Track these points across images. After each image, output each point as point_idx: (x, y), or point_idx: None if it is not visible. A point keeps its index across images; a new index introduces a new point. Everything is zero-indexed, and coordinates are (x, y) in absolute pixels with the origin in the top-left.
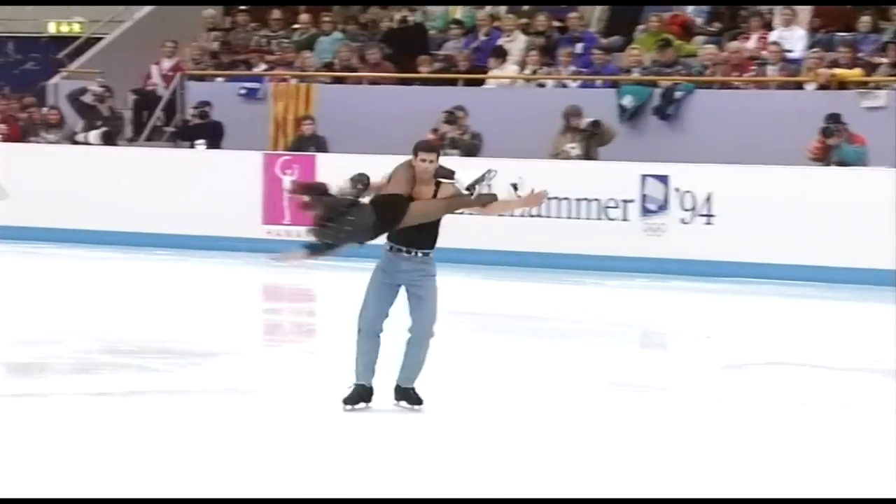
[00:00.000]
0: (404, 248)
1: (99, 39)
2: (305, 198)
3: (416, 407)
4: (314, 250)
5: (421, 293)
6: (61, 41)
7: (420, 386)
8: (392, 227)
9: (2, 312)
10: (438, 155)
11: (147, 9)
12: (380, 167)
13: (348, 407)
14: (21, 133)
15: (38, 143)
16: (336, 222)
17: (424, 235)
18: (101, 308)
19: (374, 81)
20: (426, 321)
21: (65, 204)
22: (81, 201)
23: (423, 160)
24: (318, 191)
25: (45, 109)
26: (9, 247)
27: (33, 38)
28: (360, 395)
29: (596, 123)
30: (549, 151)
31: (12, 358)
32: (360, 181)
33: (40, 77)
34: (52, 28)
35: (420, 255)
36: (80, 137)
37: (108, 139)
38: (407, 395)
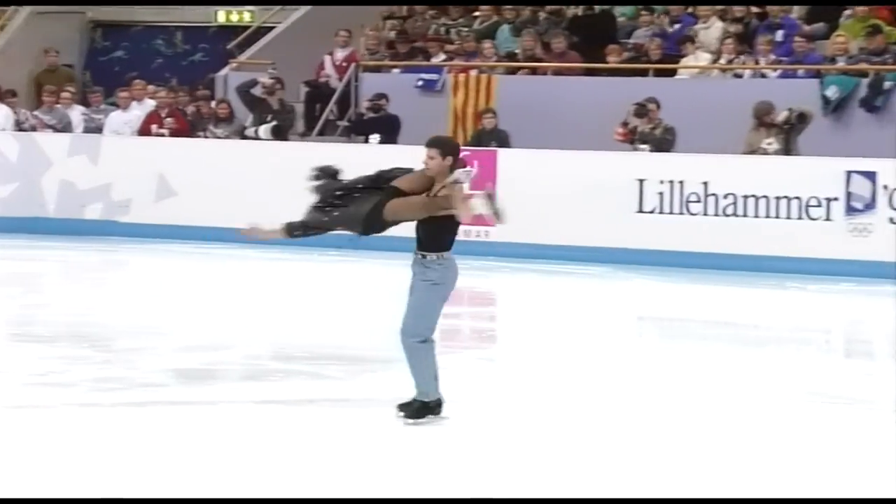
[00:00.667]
0: (415, 249)
1: (270, 29)
2: (315, 181)
3: (409, 420)
4: (291, 229)
5: (411, 295)
6: (231, 31)
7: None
8: (378, 222)
9: (170, 316)
10: (443, 151)
11: None
12: (563, 162)
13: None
14: (189, 127)
15: (206, 137)
16: (326, 206)
17: (423, 236)
18: (271, 312)
19: (559, 72)
20: (403, 325)
21: (234, 202)
22: (251, 199)
23: (426, 156)
24: (327, 173)
25: (213, 103)
26: (178, 246)
27: (202, 27)
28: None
29: (802, 116)
30: (743, 148)
31: (180, 364)
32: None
33: (209, 69)
34: (221, 17)
35: (419, 256)
36: (249, 132)
37: (279, 134)
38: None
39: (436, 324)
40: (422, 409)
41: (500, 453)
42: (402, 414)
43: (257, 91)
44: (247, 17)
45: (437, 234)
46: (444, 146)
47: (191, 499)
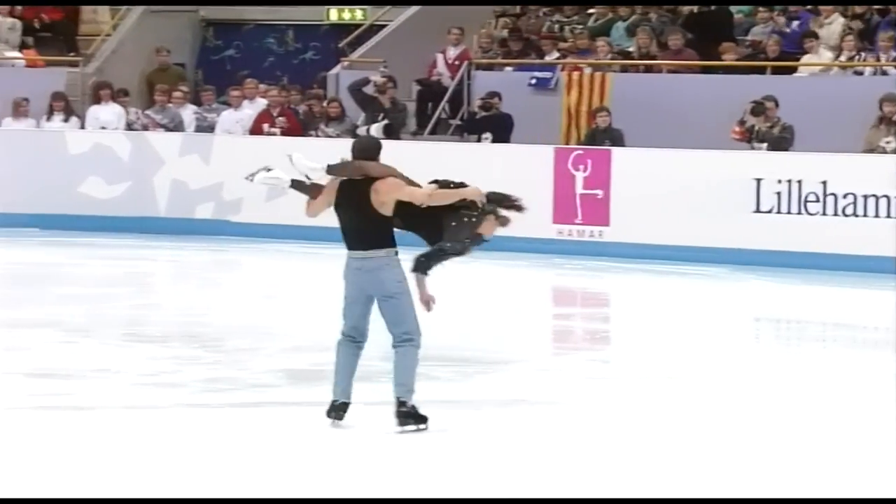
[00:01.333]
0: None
1: (382, 27)
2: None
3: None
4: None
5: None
6: (342, 29)
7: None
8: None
9: (280, 316)
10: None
11: None
12: (679, 161)
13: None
14: (300, 126)
15: (317, 136)
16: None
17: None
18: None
19: (674, 70)
20: (412, 329)
21: None
22: None
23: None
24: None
25: (324, 102)
26: (288, 246)
27: (313, 25)
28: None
29: None
30: (863, 146)
31: (290, 365)
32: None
33: (320, 67)
34: (333, 15)
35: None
36: (361, 131)
37: (390, 132)
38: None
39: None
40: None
41: (614, 455)
42: (420, 427)
43: (369, 89)
44: (359, 14)
45: (388, 231)
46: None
47: (287, 499)
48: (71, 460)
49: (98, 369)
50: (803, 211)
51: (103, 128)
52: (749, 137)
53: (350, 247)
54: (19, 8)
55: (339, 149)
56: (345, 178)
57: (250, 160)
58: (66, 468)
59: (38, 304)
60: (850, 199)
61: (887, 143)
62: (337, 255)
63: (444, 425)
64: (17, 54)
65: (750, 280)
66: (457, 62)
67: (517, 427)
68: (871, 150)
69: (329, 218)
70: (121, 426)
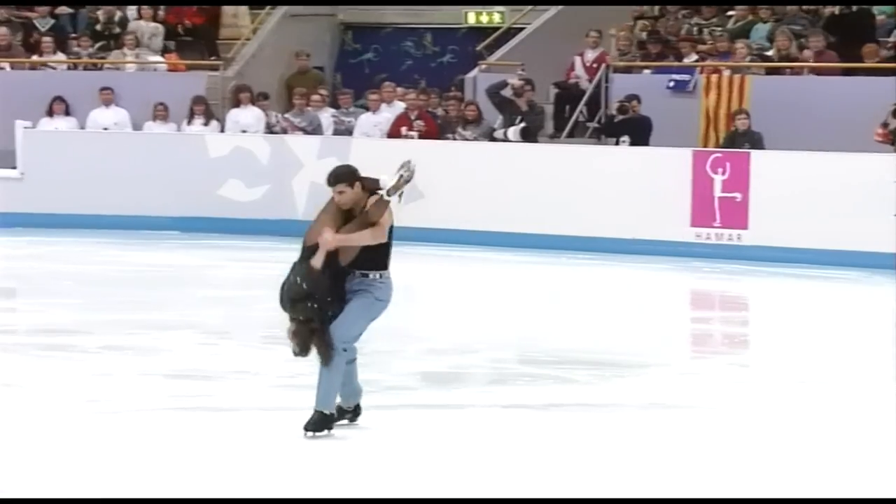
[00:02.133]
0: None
1: (520, 30)
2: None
3: (312, 433)
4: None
5: (351, 301)
6: (480, 32)
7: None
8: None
9: (418, 319)
10: (351, 181)
11: None
12: (819, 164)
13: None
14: (438, 130)
15: (454, 139)
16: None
17: (358, 256)
18: (518, 315)
19: (814, 72)
20: (337, 327)
21: (482, 204)
22: (499, 201)
23: (335, 193)
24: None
25: (462, 105)
26: (425, 249)
27: (451, 29)
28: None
29: None
30: None
31: (428, 367)
32: None
33: (457, 70)
34: (471, 19)
35: (359, 274)
36: (498, 134)
37: (528, 136)
38: (312, 415)
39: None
40: (323, 420)
41: (751, 459)
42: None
43: (507, 92)
44: (496, 18)
45: (377, 253)
46: (348, 176)
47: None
48: (209, 461)
49: (237, 371)
50: None
51: (243, 131)
52: (893, 139)
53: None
54: (162, 13)
55: (477, 152)
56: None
57: (388, 163)
58: (205, 469)
59: (179, 306)
60: None
61: None
62: (476, 258)
63: (582, 428)
64: (159, 59)
65: (890, 284)
66: (595, 65)
67: (654, 430)
68: None
69: (468, 222)
70: (259, 428)
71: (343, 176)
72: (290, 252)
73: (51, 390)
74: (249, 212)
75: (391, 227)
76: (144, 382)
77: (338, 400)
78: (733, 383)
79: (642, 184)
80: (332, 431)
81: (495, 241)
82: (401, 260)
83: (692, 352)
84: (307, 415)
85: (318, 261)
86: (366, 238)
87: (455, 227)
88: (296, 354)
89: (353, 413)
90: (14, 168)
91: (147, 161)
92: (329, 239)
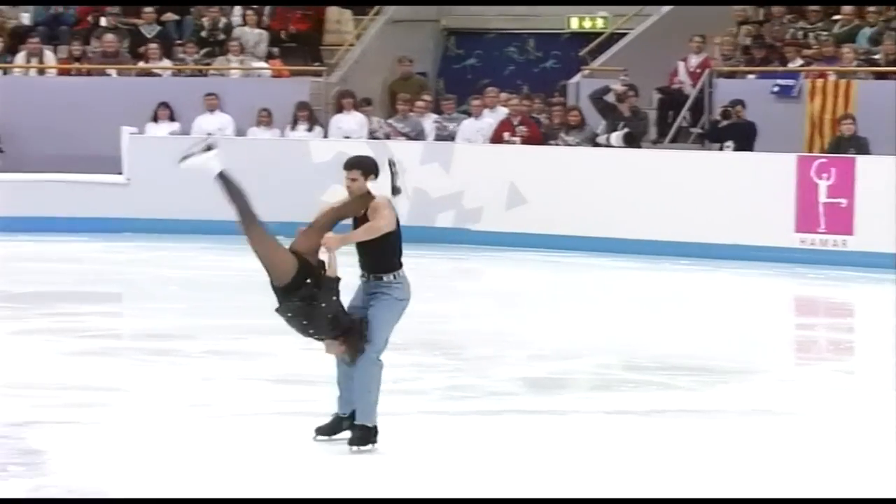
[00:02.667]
0: (362, 273)
1: (623, 35)
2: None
3: (357, 448)
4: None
5: (372, 309)
6: (583, 37)
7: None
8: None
9: (520, 325)
10: (366, 171)
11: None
12: None
13: (321, 437)
14: (541, 135)
15: (557, 145)
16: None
17: (365, 261)
18: (622, 321)
19: None
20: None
21: (585, 210)
22: (602, 207)
23: (347, 178)
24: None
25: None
26: (528, 254)
27: (554, 34)
28: (335, 425)
29: None
30: None
31: (530, 373)
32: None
33: (560, 75)
34: (574, 24)
35: (373, 278)
36: (601, 139)
37: (631, 141)
38: (354, 430)
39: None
40: (366, 434)
41: (854, 466)
42: (357, 448)
43: (610, 98)
44: (600, 23)
45: (382, 256)
46: (364, 165)
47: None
48: (310, 465)
49: None
50: None
51: (346, 137)
52: None
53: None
54: (266, 19)
55: (579, 157)
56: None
57: (490, 169)
58: (306, 472)
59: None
60: None
61: None
62: (578, 264)
63: (684, 434)
64: (263, 65)
65: None
66: (698, 70)
67: (756, 437)
68: None
69: (571, 227)
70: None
71: (359, 163)
72: None
73: (155, 394)
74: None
75: (398, 225)
76: (247, 387)
77: (336, 409)
78: (837, 390)
79: (746, 189)
80: (442, 435)
81: (597, 246)
82: (502, 265)
83: (796, 358)
84: (407, 420)
85: (333, 270)
86: (360, 235)
87: (557, 232)
88: (350, 363)
89: (351, 419)
90: (120, 174)
91: (251, 166)
92: (331, 238)
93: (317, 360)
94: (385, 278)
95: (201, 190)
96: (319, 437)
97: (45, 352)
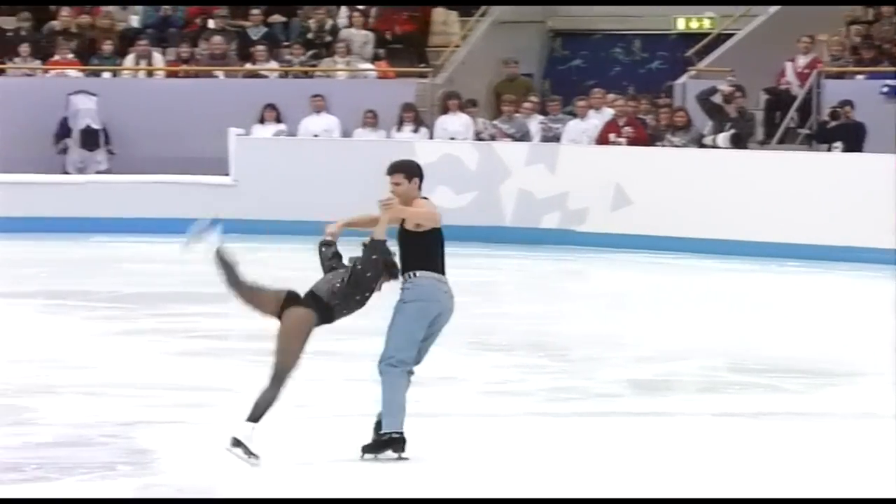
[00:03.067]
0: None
1: (730, 35)
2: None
3: (368, 454)
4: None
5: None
6: (690, 38)
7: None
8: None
9: (626, 326)
10: (409, 174)
11: None
12: None
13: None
14: (647, 136)
15: (663, 146)
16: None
17: (401, 258)
18: (728, 323)
19: None
20: (384, 344)
21: (691, 211)
22: (708, 208)
23: (391, 183)
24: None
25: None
26: (634, 256)
27: (661, 35)
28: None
29: None
30: None
31: (636, 374)
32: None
33: (667, 76)
34: (680, 25)
35: (402, 278)
36: (707, 140)
37: (738, 142)
38: (376, 440)
39: (410, 349)
40: (384, 443)
41: None
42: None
43: (716, 99)
44: (706, 24)
45: (411, 254)
46: (407, 169)
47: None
48: (417, 466)
49: (445, 377)
50: None
51: (452, 138)
52: None
53: (443, 271)
54: (372, 21)
55: (686, 158)
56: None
57: (595, 170)
58: (412, 473)
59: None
60: None
61: None
62: (685, 266)
63: (792, 437)
64: (369, 66)
65: None
66: (806, 70)
67: (865, 440)
68: None
69: (677, 229)
70: (466, 434)
71: (402, 167)
72: (497, 258)
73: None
74: (457, 218)
75: (435, 229)
76: (352, 388)
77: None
78: None
79: (855, 190)
80: (547, 437)
81: (704, 248)
82: (607, 266)
83: None
84: (512, 421)
85: (380, 232)
86: (414, 212)
87: (663, 233)
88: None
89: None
90: (227, 175)
91: (358, 167)
92: (391, 202)
93: (424, 360)
94: (403, 278)
95: (307, 191)
96: (367, 456)
97: (153, 352)
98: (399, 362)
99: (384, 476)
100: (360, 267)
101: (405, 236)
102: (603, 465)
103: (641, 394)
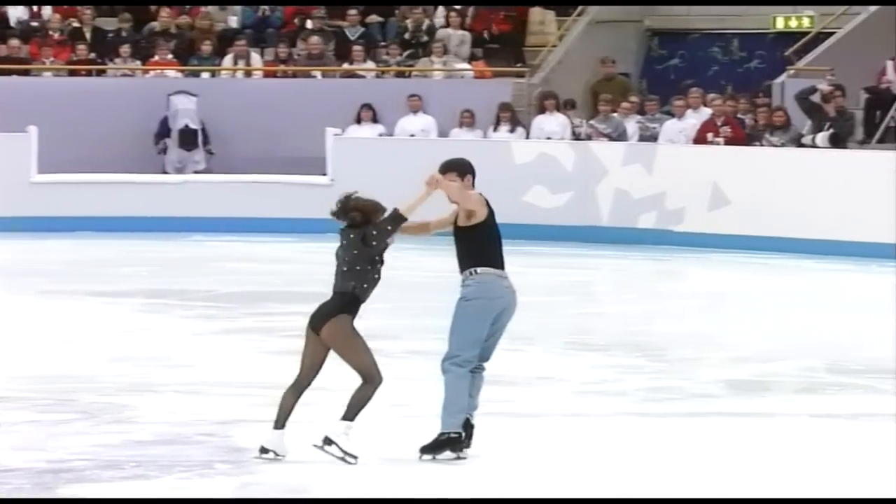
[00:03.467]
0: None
1: (830, 34)
2: None
3: (425, 456)
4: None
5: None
6: (788, 37)
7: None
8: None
9: (724, 326)
10: (462, 173)
11: None
12: None
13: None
14: (745, 136)
15: (761, 146)
16: None
17: (457, 256)
18: (826, 323)
19: None
20: (447, 349)
21: (789, 212)
22: (807, 208)
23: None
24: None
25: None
26: (732, 256)
27: (759, 34)
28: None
29: None
30: None
31: (733, 375)
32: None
33: (765, 75)
34: (780, 24)
35: (461, 276)
36: (806, 140)
37: (837, 141)
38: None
39: (474, 347)
40: (442, 443)
41: None
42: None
43: (815, 98)
44: (806, 22)
45: (466, 251)
46: (460, 167)
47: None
48: (514, 465)
49: (542, 377)
50: None
51: (548, 138)
52: None
53: (503, 265)
54: (469, 20)
55: (784, 158)
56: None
57: (693, 170)
58: (509, 473)
59: None
60: None
61: None
62: (782, 265)
63: (891, 438)
64: (465, 66)
65: None
66: None
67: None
68: None
69: (775, 228)
70: (563, 434)
71: (454, 165)
72: (594, 258)
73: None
74: (553, 218)
75: (495, 227)
76: None
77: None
78: None
79: None
80: (644, 437)
81: (802, 247)
82: (705, 266)
83: None
84: (608, 421)
85: (409, 207)
86: (459, 194)
87: (761, 233)
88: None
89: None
90: (324, 175)
91: None
92: (437, 176)
93: (518, 360)
94: (461, 276)
95: (405, 191)
96: (425, 457)
97: (251, 351)
98: (464, 361)
99: (474, 475)
100: (374, 232)
101: (459, 233)
102: (699, 466)
103: (738, 394)
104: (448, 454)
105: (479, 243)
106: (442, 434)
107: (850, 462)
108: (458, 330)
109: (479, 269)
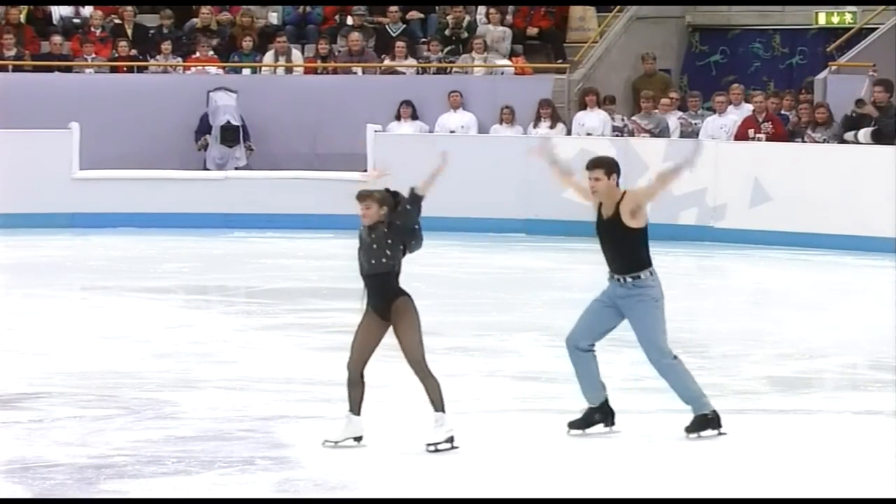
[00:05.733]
0: (612, 275)
1: (872, 30)
2: None
3: (695, 434)
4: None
5: (635, 318)
6: (831, 33)
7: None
8: None
9: (765, 323)
10: (609, 171)
11: None
12: None
13: (575, 431)
14: (786, 132)
15: (803, 142)
16: None
17: (619, 261)
18: (869, 320)
19: None
20: (648, 348)
21: (830, 208)
22: (850, 205)
23: (591, 179)
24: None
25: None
26: (773, 252)
27: (801, 30)
28: (587, 418)
29: None
30: None
31: (776, 372)
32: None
33: (807, 72)
34: (822, 19)
35: (629, 280)
36: (848, 136)
37: (879, 138)
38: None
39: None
40: (703, 422)
41: None
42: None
43: (866, 110)
44: (848, 18)
45: (633, 255)
46: (606, 165)
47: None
48: (552, 462)
49: None
50: None
51: (588, 134)
52: None
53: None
54: (509, 17)
55: (826, 154)
56: None
57: (734, 166)
58: (555, 468)
59: (526, 308)
60: None
61: None
62: (825, 262)
63: None
64: (506, 62)
65: None
66: None
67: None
68: None
69: (816, 225)
70: (604, 430)
71: (602, 163)
72: None
73: (398, 391)
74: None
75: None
76: (491, 384)
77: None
78: None
79: None
80: (675, 434)
81: (843, 244)
82: (746, 263)
83: None
84: (650, 418)
85: (426, 187)
86: (642, 197)
87: (802, 230)
88: None
89: (602, 411)
90: (365, 171)
91: (495, 163)
92: (543, 147)
93: (560, 357)
94: (642, 275)
95: (446, 188)
96: (573, 432)
97: (292, 347)
98: (673, 356)
99: (519, 471)
100: (402, 209)
101: (625, 232)
102: (742, 462)
103: (781, 391)
104: (710, 432)
105: (647, 243)
106: (699, 416)
107: (893, 459)
108: (657, 329)
109: (653, 270)
